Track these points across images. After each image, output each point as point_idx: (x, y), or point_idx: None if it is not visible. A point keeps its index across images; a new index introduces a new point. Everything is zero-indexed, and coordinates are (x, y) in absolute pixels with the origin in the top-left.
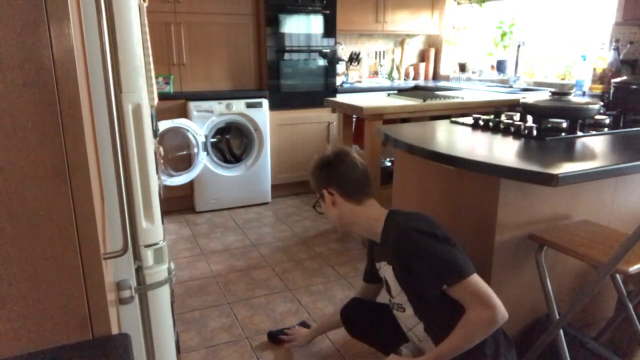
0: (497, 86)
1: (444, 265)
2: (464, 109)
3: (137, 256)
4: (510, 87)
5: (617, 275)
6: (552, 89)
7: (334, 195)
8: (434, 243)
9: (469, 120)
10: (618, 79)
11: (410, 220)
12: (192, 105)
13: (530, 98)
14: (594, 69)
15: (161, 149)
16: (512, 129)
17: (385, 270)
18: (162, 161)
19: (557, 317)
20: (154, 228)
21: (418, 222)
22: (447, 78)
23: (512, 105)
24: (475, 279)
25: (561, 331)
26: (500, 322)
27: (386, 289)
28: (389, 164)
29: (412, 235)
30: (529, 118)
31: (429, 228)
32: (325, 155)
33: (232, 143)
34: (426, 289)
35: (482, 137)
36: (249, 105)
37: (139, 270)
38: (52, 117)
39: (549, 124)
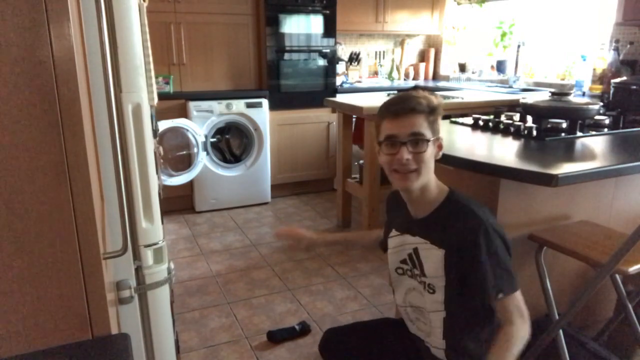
0: (497, 86)
1: (506, 275)
2: (464, 109)
3: (136, 256)
4: (510, 87)
5: (617, 276)
6: (552, 89)
7: (440, 149)
8: (504, 249)
9: (469, 120)
10: (618, 80)
11: (484, 213)
12: (192, 105)
13: (530, 98)
14: (594, 70)
15: (161, 148)
16: (512, 129)
17: (424, 249)
18: (161, 161)
19: (557, 317)
20: (154, 228)
21: (492, 218)
22: (447, 78)
23: (512, 106)
24: (520, 294)
25: (561, 331)
26: None
27: (412, 265)
28: None
29: (490, 235)
30: (529, 118)
31: (502, 230)
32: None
33: (232, 143)
34: (480, 291)
35: (482, 137)
36: (248, 105)
37: (138, 270)
38: (52, 117)
39: (548, 124)
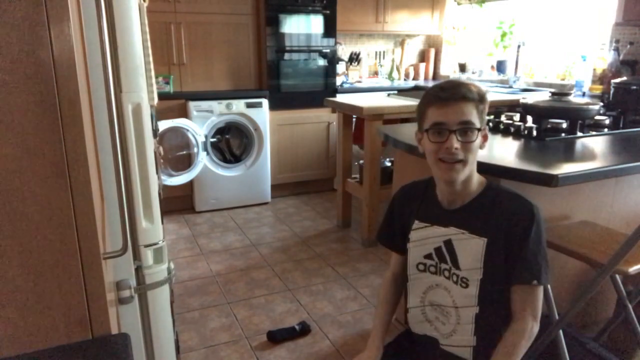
0: (497, 86)
1: (545, 265)
2: None
3: (136, 256)
4: (510, 87)
5: (617, 276)
6: (552, 90)
7: (486, 140)
8: (545, 239)
9: None
10: (618, 80)
11: (531, 200)
12: (192, 105)
13: (530, 98)
14: (594, 70)
15: (161, 148)
16: (512, 129)
17: (460, 240)
18: (161, 161)
19: (557, 317)
20: (154, 228)
21: None
22: (447, 78)
23: (512, 106)
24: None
25: (561, 331)
26: None
27: (439, 259)
28: (389, 164)
29: (541, 221)
30: (529, 118)
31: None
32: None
33: (232, 143)
34: (516, 274)
35: None
36: (248, 105)
37: (138, 270)
38: (52, 117)
39: (548, 125)
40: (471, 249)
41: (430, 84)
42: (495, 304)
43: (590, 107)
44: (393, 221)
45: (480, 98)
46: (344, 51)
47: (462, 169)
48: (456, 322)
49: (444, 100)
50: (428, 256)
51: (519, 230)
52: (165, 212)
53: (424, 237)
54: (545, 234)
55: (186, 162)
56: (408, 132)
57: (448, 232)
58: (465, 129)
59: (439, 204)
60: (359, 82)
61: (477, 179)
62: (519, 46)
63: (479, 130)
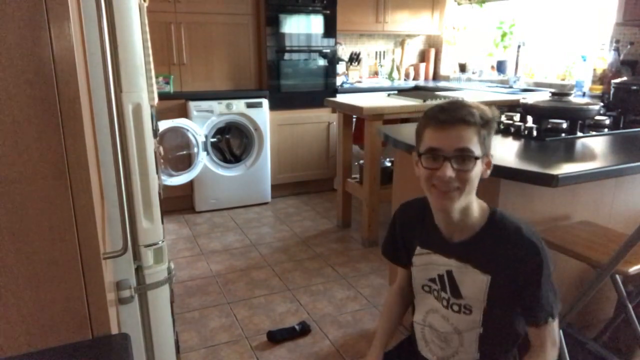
0: (497, 86)
1: (556, 300)
2: None
3: (136, 256)
4: (510, 87)
5: (617, 276)
6: (552, 90)
7: (489, 167)
8: (552, 271)
9: None
10: (618, 80)
11: (534, 234)
12: (192, 105)
13: (530, 98)
14: (594, 70)
15: (161, 148)
16: (512, 129)
17: (461, 273)
18: (162, 161)
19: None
20: (154, 228)
21: (540, 237)
22: (447, 78)
23: (512, 106)
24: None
25: (561, 332)
26: None
27: (441, 286)
28: (389, 164)
29: (547, 260)
30: (529, 118)
31: (548, 250)
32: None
33: (232, 143)
34: (530, 315)
35: None
36: (249, 105)
37: (138, 270)
38: (52, 117)
39: (549, 125)
40: (474, 283)
41: (431, 84)
42: (500, 326)
43: (590, 107)
44: (396, 238)
45: (484, 122)
46: (344, 51)
47: (457, 197)
48: (459, 344)
49: (442, 123)
50: (432, 280)
51: (527, 274)
52: (165, 212)
53: (427, 263)
54: (552, 266)
55: (186, 162)
56: (408, 132)
57: (450, 263)
58: (463, 156)
59: (439, 233)
60: (359, 82)
61: (478, 208)
62: (519, 46)
63: (479, 158)
